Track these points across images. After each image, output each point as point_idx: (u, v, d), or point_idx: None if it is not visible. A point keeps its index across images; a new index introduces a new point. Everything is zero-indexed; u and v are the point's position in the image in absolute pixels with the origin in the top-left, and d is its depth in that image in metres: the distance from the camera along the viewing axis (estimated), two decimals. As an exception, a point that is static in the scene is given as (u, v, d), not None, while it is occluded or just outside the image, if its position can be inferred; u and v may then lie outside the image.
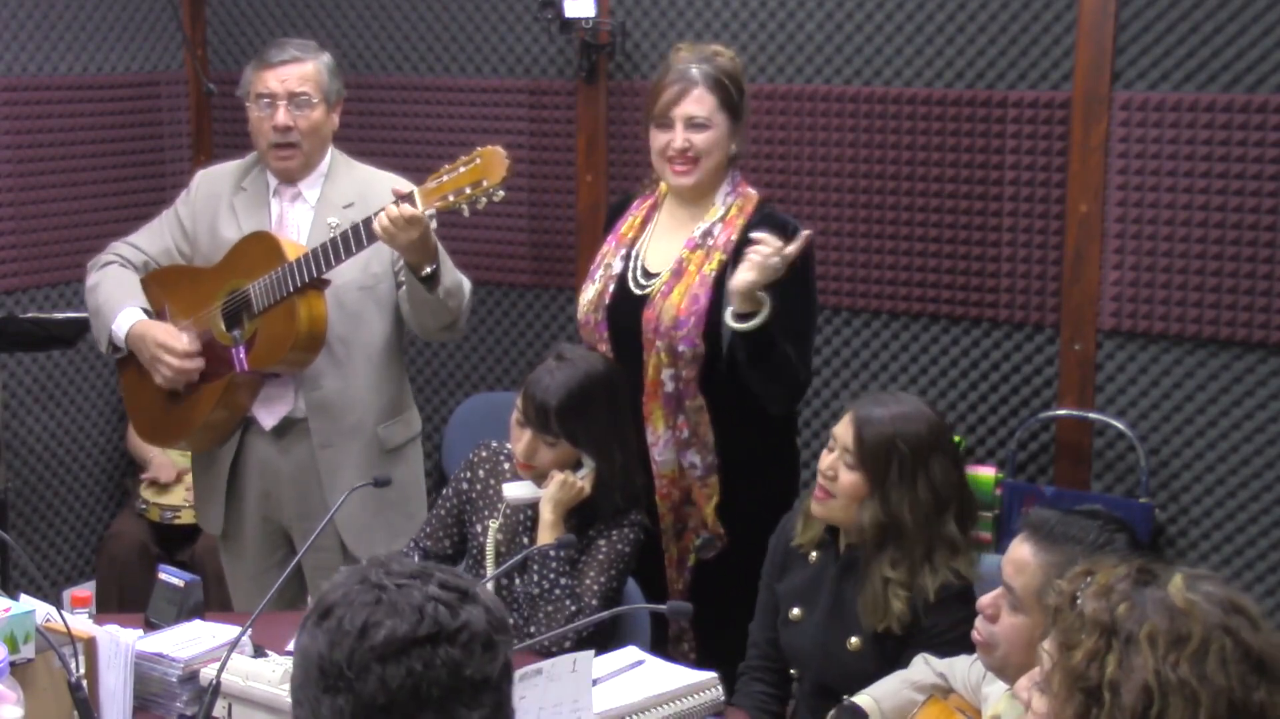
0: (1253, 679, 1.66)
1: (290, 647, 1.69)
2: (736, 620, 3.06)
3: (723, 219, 3.24)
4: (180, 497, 4.41)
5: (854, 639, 2.75)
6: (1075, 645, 1.73)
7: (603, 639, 2.80)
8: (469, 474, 3.14)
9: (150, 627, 2.80)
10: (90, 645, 2.47)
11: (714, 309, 3.14)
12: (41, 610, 2.42)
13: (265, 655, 2.58)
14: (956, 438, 3.92)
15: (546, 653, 2.65)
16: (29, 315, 4.26)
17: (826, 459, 2.79)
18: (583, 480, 2.96)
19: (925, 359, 4.05)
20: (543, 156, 4.47)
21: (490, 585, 2.93)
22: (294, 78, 3.42)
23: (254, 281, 3.33)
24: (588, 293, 3.33)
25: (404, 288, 3.38)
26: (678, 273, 3.21)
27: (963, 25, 3.89)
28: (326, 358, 3.41)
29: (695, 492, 3.24)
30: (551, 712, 2.35)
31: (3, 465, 4.06)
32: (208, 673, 2.51)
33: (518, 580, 2.97)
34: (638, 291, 3.25)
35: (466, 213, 3.16)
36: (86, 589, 3.50)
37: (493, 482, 3.10)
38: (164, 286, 3.52)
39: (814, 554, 2.87)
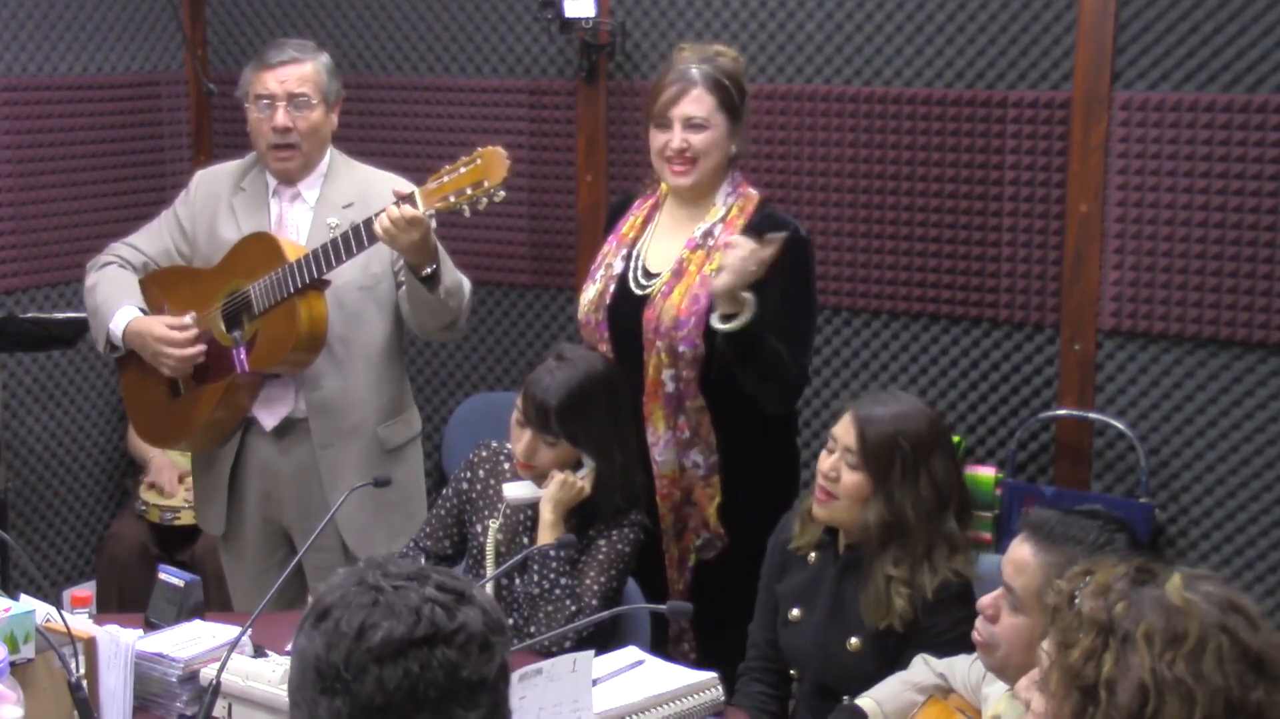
0: (1250, 678, 1.66)
1: (290, 647, 1.70)
2: (737, 620, 3.06)
3: (723, 219, 3.24)
4: (180, 498, 4.41)
5: (854, 640, 2.75)
6: (1072, 644, 1.73)
7: (603, 639, 2.80)
8: (469, 474, 3.14)
9: (150, 627, 2.80)
10: (90, 645, 2.47)
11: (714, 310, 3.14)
12: (41, 610, 2.42)
13: (265, 655, 2.58)
14: (956, 438, 3.93)
15: (546, 653, 2.65)
16: (29, 315, 4.25)
17: (827, 461, 2.79)
18: (583, 480, 2.96)
19: (925, 359, 4.05)
20: (543, 156, 4.47)
21: (490, 585, 2.93)
22: (293, 79, 3.42)
23: (254, 282, 3.33)
24: (588, 293, 3.33)
25: (404, 288, 3.38)
26: (678, 273, 3.21)
27: (963, 25, 3.89)
28: (327, 358, 3.41)
29: (697, 491, 3.24)
30: (551, 712, 2.35)
31: (3, 465, 4.06)
32: (208, 673, 2.51)
33: (518, 580, 2.97)
34: (638, 292, 3.25)
35: (467, 213, 3.16)
36: (86, 589, 3.50)
37: (493, 482, 3.10)
38: (163, 287, 3.52)
39: (813, 555, 2.87)
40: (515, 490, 3.01)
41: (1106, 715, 1.68)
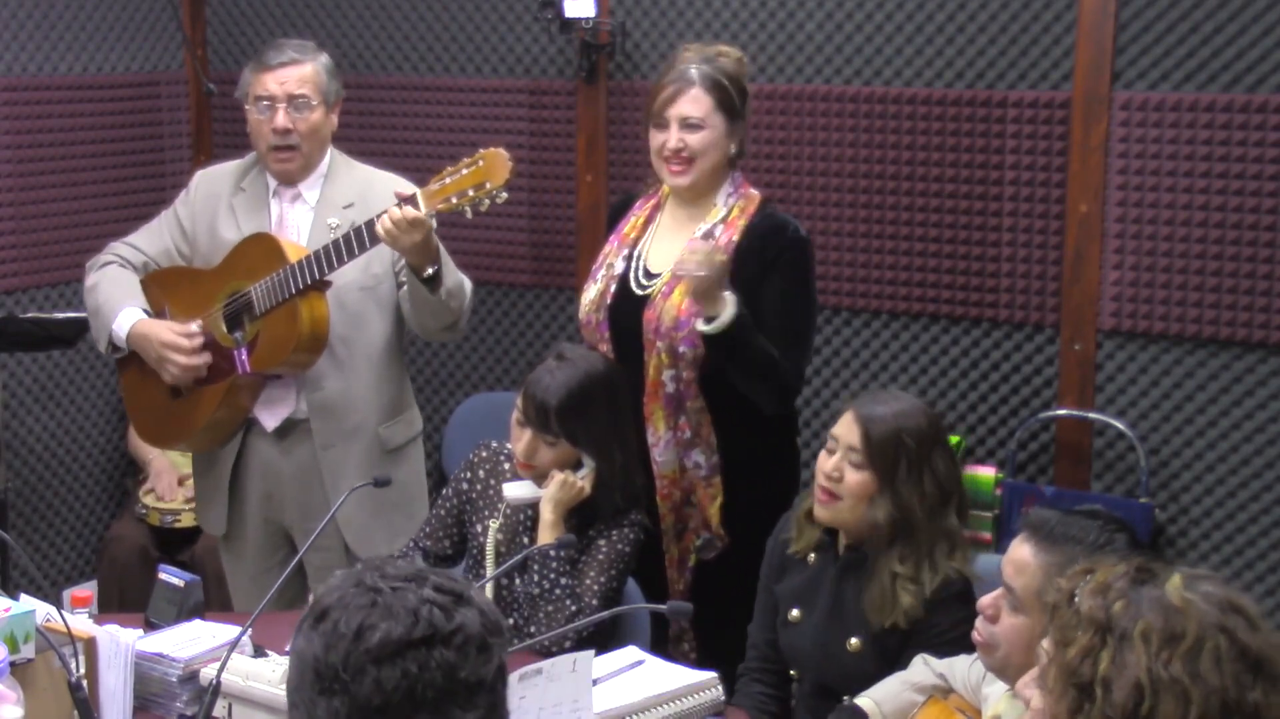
0: (1247, 679, 1.66)
1: (289, 647, 1.70)
2: (737, 620, 3.06)
3: (724, 220, 3.24)
4: (180, 500, 4.41)
5: (854, 640, 2.75)
6: (1070, 642, 1.73)
7: (603, 639, 2.80)
8: (469, 474, 3.14)
9: (150, 627, 2.80)
10: (90, 645, 2.47)
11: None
12: (41, 610, 2.42)
13: (265, 655, 2.58)
14: (956, 438, 3.93)
15: (546, 653, 2.65)
16: (29, 315, 4.25)
17: (829, 461, 2.79)
18: (583, 480, 2.96)
19: (925, 359, 4.05)
20: (543, 156, 4.47)
21: (490, 585, 2.93)
22: (293, 80, 3.42)
23: (255, 283, 3.33)
24: (589, 292, 3.33)
25: (405, 288, 3.38)
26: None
27: (963, 25, 3.89)
28: (328, 359, 3.41)
29: (699, 492, 3.25)
30: (551, 712, 2.35)
31: (3, 465, 4.06)
32: (208, 673, 2.51)
33: (518, 580, 2.97)
34: (639, 292, 3.25)
35: (469, 215, 3.16)
36: (86, 589, 3.50)
37: (493, 482, 3.10)
38: (164, 288, 3.52)
39: (812, 556, 2.87)
40: (515, 490, 3.01)
41: (1102, 713, 1.68)
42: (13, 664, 2.30)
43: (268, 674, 2.46)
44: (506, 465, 3.10)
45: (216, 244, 3.48)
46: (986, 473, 3.91)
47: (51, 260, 4.53)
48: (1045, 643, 1.80)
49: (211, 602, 3.35)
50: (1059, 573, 1.95)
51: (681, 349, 3.16)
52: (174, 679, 2.58)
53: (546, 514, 2.93)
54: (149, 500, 4.45)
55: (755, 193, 3.31)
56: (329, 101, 3.48)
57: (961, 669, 2.54)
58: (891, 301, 4.06)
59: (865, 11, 3.99)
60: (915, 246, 4.00)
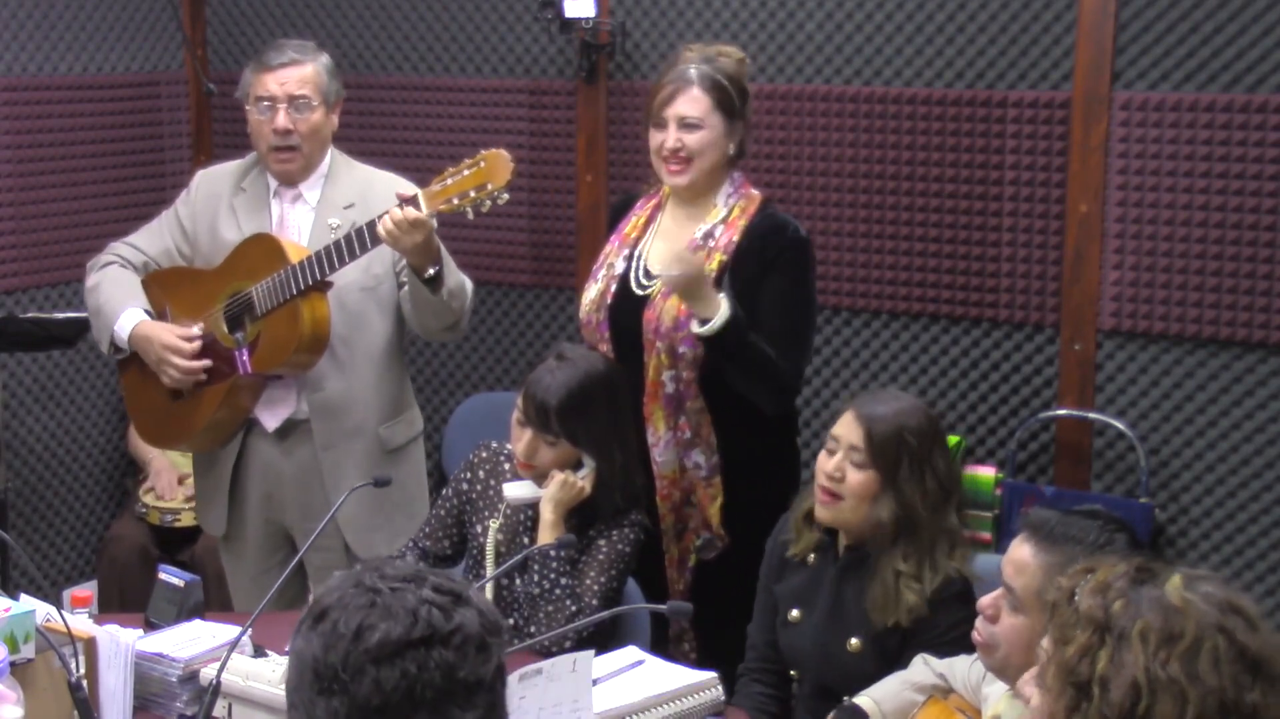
0: (1246, 680, 1.66)
1: (288, 648, 1.70)
2: (737, 620, 3.06)
3: (724, 220, 3.24)
4: (180, 500, 4.41)
5: (854, 640, 2.75)
6: (1069, 640, 1.73)
7: (603, 639, 2.80)
8: (469, 474, 3.14)
9: (150, 627, 2.80)
10: (90, 645, 2.47)
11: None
12: (41, 610, 2.42)
13: (265, 655, 2.58)
14: (957, 438, 3.93)
15: (547, 653, 2.65)
16: (29, 315, 4.25)
17: (830, 462, 2.79)
18: (583, 480, 2.96)
19: (925, 359, 4.05)
20: (543, 156, 4.47)
21: (490, 585, 2.93)
22: (293, 80, 3.42)
23: (256, 284, 3.33)
24: (590, 292, 3.33)
25: (406, 288, 3.38)
26: (679, 274, 3.21)
27: (963, 25, 3.89)
28: (329, 359, 3.41)
29: (699, 492, 3.25)
30: (551, 712, 2.35)
31: (3, 465, 4.06)
32: (208, 673, 2.51)
33: (518, 580, 2.97)
34: (639, 292, 3.25)
35: (471, 216, 3.16)
36: (87, 589, 3.50)
37: (493, 482, 3.10)
38: (165, 288, 3.52)
39: (812, 556, 2.87)
40: (515, 490, 3.01)
41: (1099, 712, 1.68)
42: (13, 664, 2.30)
43: (268, 674, 2.46)
44: (506, 465, 3.10)
45: (217, 244, 3.48)
46: (986, 473, 3.91)
47: (51, 260, 4.53)
48: (1045, 641, 1.80)
49: (211, 602, 3.35)
50: (1059, 573, 1.95)
51: (681, 349, 3.16)
52: (174, 679, 2.58)
53: (547, 514, 2.93)
54: (149, 499, 4.46)
55: (756, 193, 3.31)
56: (330, 102, 3.48)
57: (961, 669, 2.54)
58: (891, 302, 4.06)
59: (865, 11, 3.99)
60: (915, 246, 4.00)
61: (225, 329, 3.39)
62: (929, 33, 3.93)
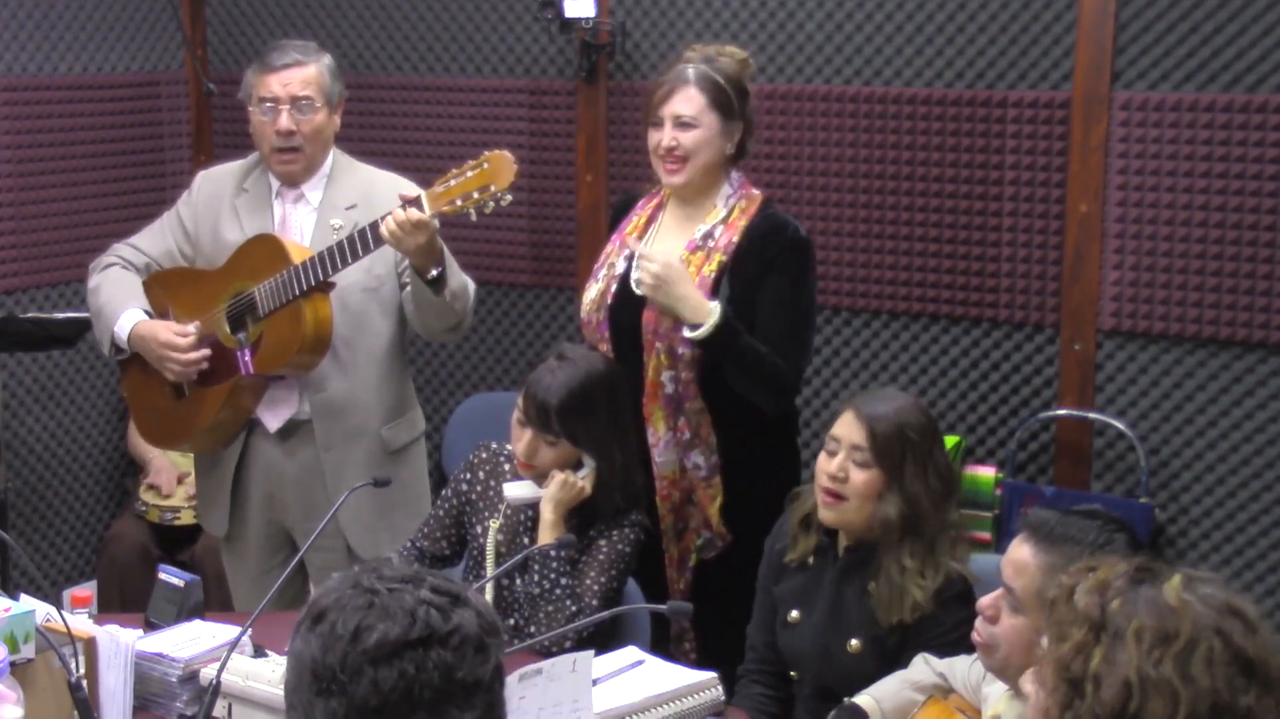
0: (1241, 682, 1.65)
1: (288, 648, 1.70)
2: (737, 620, 3.06)
3: (724, 220, 3.24)
4: (181, 498, 4.42)
5: (854, 641, 2.75)
6: (1066, 637, 1.73)
7: (603, 639, 2.80)
8: (469, 475, 3.14)
9: (150, 627, 2.80)
10: (90, 645, 2.47)
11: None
12: (41, 610, 2.42)
13: (265, 655, 2.58)
14: (957, 438, 3.93)
15: (547, 653, 2.66)
16: (29, 315, 4.26)
17: (832, 463, 2.78)
18: (583, 480, 2.96)
19: (925, 359, 4.05)
20: (543, 156, 4.47)
21: (491, 586, 2.93)
22: (296, 82, 3.42)
23: (259, 284, 3.33)
24: (590, 292, 3.33)
25: (409, 289, 3.38)
26: (679, 275, 3.21)
27: (963, 25, 3.89)
28: (331, 360, 3.41)
29: (699, 492, 3.25)
30: (551, 712, 2.35)
31: (3, 465, 4.06)
32: (208, 673, 2.52)
33: (518, 580, 2.97)
34: (639, 292, 3.25)
35: (474, 217, 3.16)
36: (87, 589, 3.50)
37: (493, 482, 3.10)
38: (167, 289, 3.52)
39: (811, 558, 2.87)
40: (516, 490, 3.01)
41: (1091, 709, 1.68)
42: (13, 664, 2.30)
43: (268, 674, 2.46)
44: (507, 466, 3.10)
45: (219, 245, 3.48)
46: (986, 473, 3.91)
47: (51, 260, 4.53)
48: (1042, 638, 1.80)
49: (211, 602, 3.35)
50: (1059, 573, 1.95)
51: (680, 350, 3.16)
52: (174, 679, 2.58)
53: (547, 514, 2.93)
54: (149, 497, 4.46)
55: (757, 193, 3.31)
56: (332, 103, 3.48)
57: (961, 669, 2.54)
58: (891, 302, 4.06)
59: (865, 11, 3.99)
60: (915, 246, 4.00)
61: (228, 329, 3.39)
62: (929, 33, 3.93)
